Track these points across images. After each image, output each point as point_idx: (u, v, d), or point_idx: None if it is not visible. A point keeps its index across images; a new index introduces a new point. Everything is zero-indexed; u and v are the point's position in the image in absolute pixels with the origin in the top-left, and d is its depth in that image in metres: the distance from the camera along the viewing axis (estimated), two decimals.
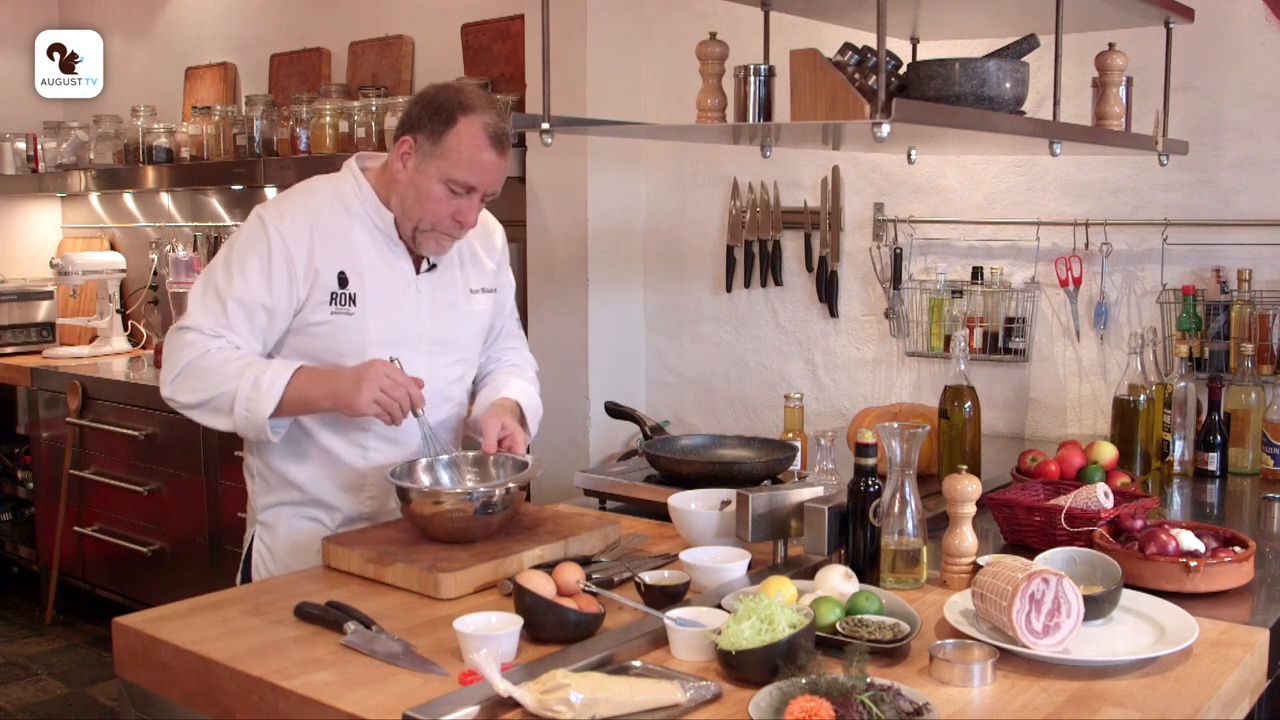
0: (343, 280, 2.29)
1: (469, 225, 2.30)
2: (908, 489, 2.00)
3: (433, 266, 2.40)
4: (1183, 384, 2.89)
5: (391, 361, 2.25)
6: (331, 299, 2.29)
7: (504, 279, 2.61)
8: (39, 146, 5.74)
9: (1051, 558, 1.97)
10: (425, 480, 2.27)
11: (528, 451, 2.38)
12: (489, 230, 2.57)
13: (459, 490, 2.19)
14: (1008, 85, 2.14)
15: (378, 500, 2.41)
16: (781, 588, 1.80)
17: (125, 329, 5.62)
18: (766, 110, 2.15)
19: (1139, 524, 2.12)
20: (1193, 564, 1.96)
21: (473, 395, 2.59)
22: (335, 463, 2.38)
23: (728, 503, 2.22)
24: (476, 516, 2.12)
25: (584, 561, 2.10)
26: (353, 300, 2.30)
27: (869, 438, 2.04)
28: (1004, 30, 2.58)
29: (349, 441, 2.37)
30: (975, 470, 2.54)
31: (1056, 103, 2.31)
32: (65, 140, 5.66)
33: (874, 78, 1.95)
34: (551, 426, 3.97)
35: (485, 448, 2.32)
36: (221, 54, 5.55)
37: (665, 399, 4.16)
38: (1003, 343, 3.41)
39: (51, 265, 5.61)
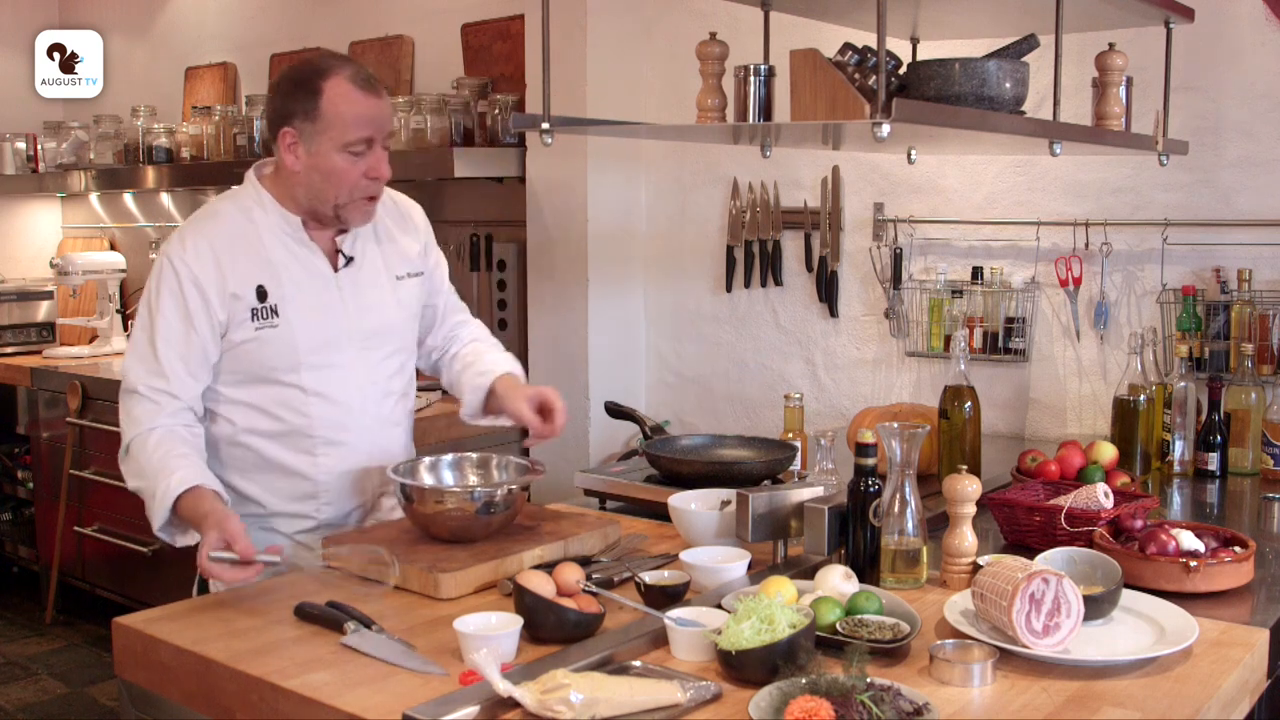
0: (261, 294, 2.25)
1: (384, 176, 2.26)
2: (908, 489, 2.00)
3: (349, 260, 2.35)
4: (1183, 384, 2.89)
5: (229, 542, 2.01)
6: (253, 315, 2.24)
7: (433, 258, 2.54)
8: (39, 146, 5.74)
9: (1051, 558, 1.97)
10: (428, 479, 2.28)
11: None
12: (405, 212, 2.50)
13: (461, 489, 2.19)
14: (1008, 85, 2.14)
15: (334, 506, 2.36)
16: (781, 588, 1.80)
17: (125, 329, 5.61)
18: (766, 110, 2.15)
19: (1139, 524, 2.12)
20: (1193, 564, 1.96)
21: (430, 378, 2.60)
22: (286, 474, 2.33)
23: (728, 503, 2.22)
24: (478, 516, 2.13)
25: (584, 561, 2.10)
26: (275, 312, 2.25)
27: (869, 438, 2.04)
28: (1004, 30, 2.58)
29: (295, 449, 2.32)
30: (975, 470, 2.54)
31: (1056, 103, 2.31)
32: (65, 140, 5.65)
33: (874, 78, 1.95)
34: None
35: (535, 430, 2.30)
36: (221, 54, 5.56)
37: (665, 399, 4.16)
38: (1003, 343, 3.41)
39: (51, 265, 5.61)
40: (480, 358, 2.52)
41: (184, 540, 2.19)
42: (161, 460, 2.17)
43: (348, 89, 2.19)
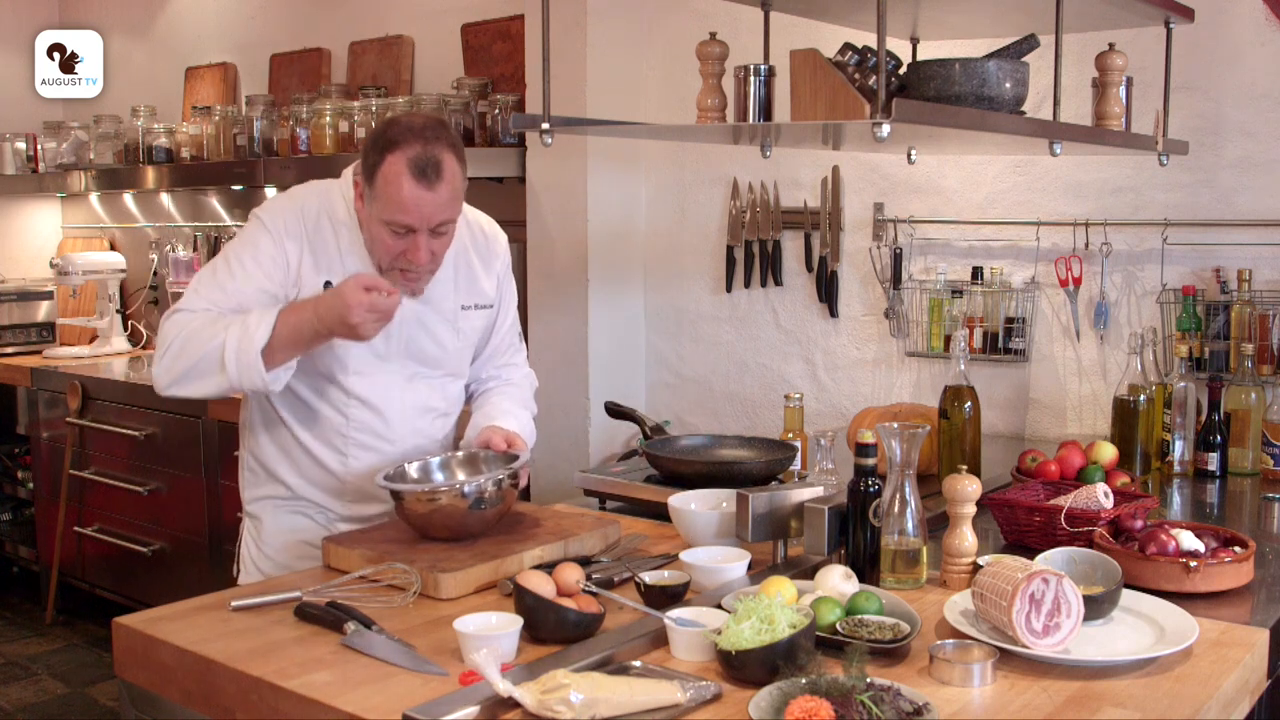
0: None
1: (420, 264, 2.23)
2: (908, 489, 2.00)
3: None
4: (1183, 384, 2.89)
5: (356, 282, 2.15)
6: None
7: (505, 293, 2.55)
8: (39, 146, 5.74)
9: (1051, 558, 1.97)
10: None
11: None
12: (490, 241, 2.51)
13: (451, 485, 2.17)
14: (1008, 85, 2.14)
15: (359, 505, 2.42)
16: (781, 588, 1.80)
17: (125, 329, 5.61)
18: (766, 110, 2.15)
19: (1139, 524, 2.12)
20: (1193, 564, 1.96)
21: (465, 410, 2.58)
22: (316, 464, 2.39)
23: (728, 503, 2.22)
24: (471, 510, 2.12)
25: (584, 561, 2.10)
26: None
27: (869, 438, 2.04)
28: (1004, 30, 2.58)
29: (328, 445, 2.38)
30: (975, 470, 2.54)
31: (1056, 103, 2.31)
32: (65, 140, 5.65)
33: (874, 78, 1.95)
34: (551, 426, 3.98)
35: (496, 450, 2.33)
36: (221, 54, 5.55)
37: (665, 399, 4.16)
38: (1003, 343, 3.41)
39: (51, 265, 5.61)
40: (498, 406, 2.50)
41: (280, 376, 2.19)
42: (223, 321, 2.18)
43: (400, 172, 2.13)
